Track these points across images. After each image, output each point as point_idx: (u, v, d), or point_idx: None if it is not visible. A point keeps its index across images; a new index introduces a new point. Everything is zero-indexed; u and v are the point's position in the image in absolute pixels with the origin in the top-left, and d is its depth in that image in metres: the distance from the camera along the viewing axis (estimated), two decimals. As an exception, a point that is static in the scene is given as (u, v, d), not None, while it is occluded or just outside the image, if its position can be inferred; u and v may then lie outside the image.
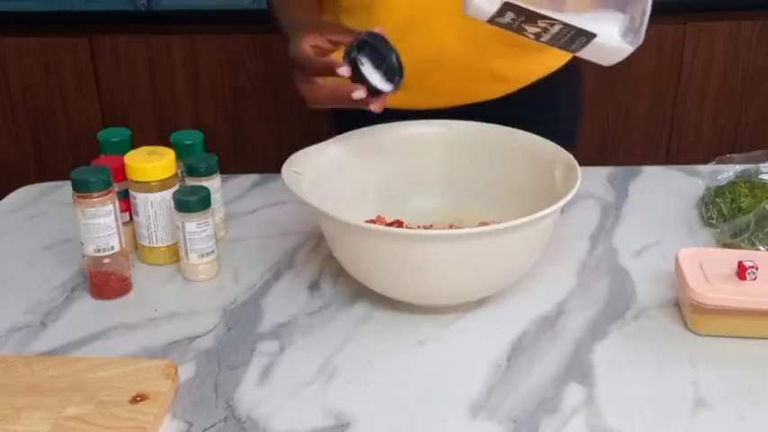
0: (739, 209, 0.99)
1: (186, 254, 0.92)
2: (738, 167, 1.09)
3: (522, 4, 0.79)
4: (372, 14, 1.01)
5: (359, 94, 0.85)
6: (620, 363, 0.78)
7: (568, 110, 1.21)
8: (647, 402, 0.73)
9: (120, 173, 0.93)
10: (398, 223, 0.96)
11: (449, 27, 1.01)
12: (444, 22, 1.01)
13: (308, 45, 0.88)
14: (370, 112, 0.88)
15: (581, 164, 0.88)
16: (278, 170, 0.87)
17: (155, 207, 0.93)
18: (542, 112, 1.11)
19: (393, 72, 0.86)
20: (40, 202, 1.13)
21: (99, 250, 0.88)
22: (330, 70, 0.86)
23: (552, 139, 0.95)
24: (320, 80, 0.89)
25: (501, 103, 1.09)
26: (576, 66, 1.16)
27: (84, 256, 0.89)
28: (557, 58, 1.12)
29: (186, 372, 0.78)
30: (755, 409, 0.72)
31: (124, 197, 0.94)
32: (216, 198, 0.97)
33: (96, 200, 0.86)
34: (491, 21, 0.81)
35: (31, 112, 2.03)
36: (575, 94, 1.21)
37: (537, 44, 0.84)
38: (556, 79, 1.13)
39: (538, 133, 0.96)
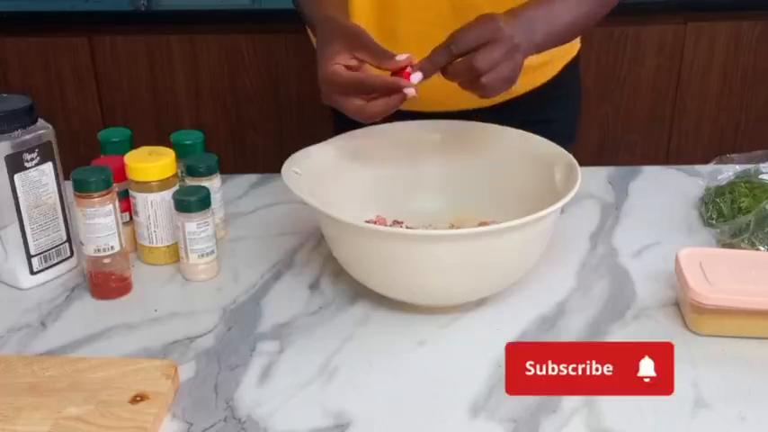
0: (739, 209, 0.99)
1: (186, 254, 0.92)
2: (738, 167, 1.09)
3: None
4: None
5: (411, 91, 0.82)
6: (620, 363, 0.78)
7: (566, 111, 1.20)
8: (647, 402, 0.73)
9: (120, 173, 0.93)
10: (398, 223, 0.96)
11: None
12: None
13: (340, 66, 0.83)
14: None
15: (581, 164, 0.88)
16: (278, 170, 0.87)
17: (155, 207, 0.93)
18: (539, 113, 1.11)
19: None
20: (40, 202, 1.13)
21: (99, 250, 0.88)
22: (393, 88, 0.82)
23: (550, 140, 0.94)
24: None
25: (497, 109, 1.08)
26: (574, 66, 1.15)
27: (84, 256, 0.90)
28: (555, 67, 1.12)
29: (186, 372, 0.78)
30: (755, 409, 0.72)
31: (124, 197, 0.94)
32: (216, 198, 0.97)
33: (96, 200, 0.86)
34: None
35: (30, 112, 2.03)
36: (571, 95, 1.20)
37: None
38: (552, 83, 1.13)
39: (535, 133, 0.96)
